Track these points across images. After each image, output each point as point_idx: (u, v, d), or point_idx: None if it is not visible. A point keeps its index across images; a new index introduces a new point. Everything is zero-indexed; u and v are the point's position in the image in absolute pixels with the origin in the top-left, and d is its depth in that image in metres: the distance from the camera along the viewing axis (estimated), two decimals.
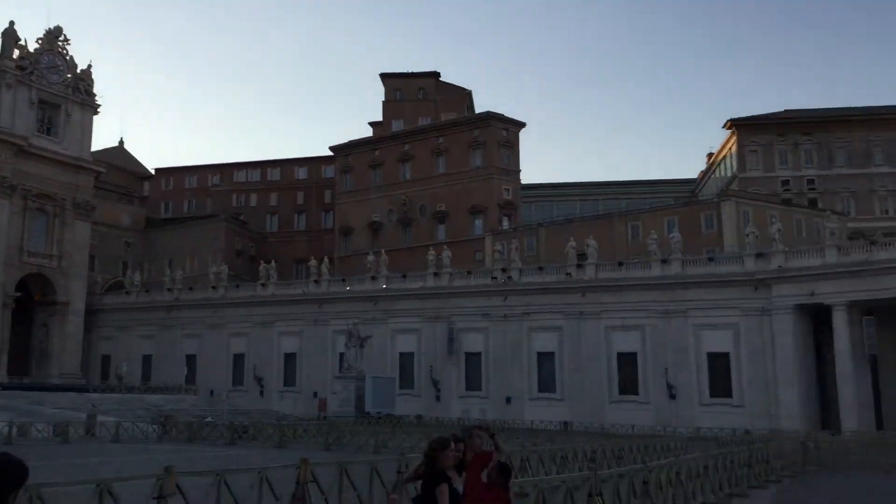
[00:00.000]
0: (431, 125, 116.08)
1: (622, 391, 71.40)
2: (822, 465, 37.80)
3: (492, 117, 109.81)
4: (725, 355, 67.82)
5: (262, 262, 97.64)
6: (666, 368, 69.12)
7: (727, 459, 25.61)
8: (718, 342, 68.02)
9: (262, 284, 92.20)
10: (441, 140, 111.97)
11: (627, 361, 71.58)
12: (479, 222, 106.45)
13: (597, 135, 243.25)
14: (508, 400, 75.03)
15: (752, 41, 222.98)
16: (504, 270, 78.91)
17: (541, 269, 78.88)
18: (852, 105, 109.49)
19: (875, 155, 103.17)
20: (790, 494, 26.35)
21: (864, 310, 62.69)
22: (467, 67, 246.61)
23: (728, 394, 67.35)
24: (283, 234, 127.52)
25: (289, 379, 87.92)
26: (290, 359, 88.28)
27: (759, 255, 67.63)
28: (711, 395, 67.87)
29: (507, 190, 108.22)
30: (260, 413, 75.62)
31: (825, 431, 56.17)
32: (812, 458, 37.84)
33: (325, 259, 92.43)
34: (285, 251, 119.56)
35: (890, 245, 63.16)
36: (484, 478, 8.70)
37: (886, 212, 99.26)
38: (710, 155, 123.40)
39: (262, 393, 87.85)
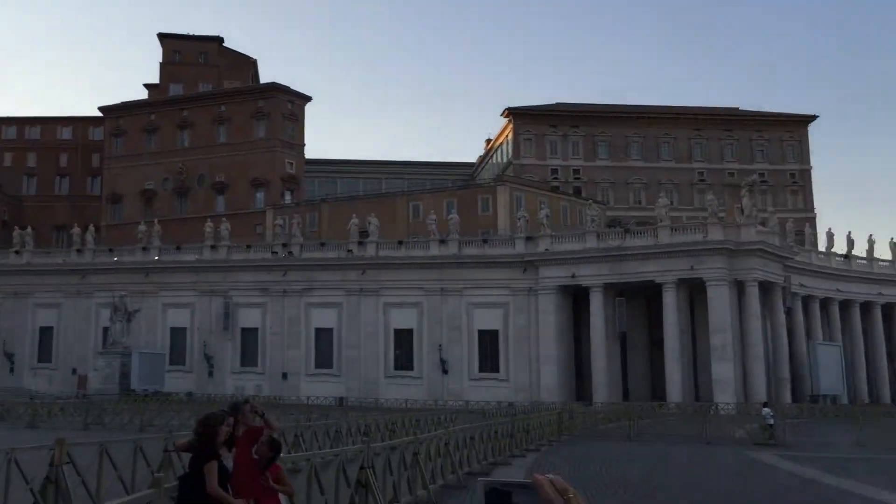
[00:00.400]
0: (213, 92, 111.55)
1: (398, 367, 73.26)
2: (576, 434, 41.13)
3: (277, 88, 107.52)
4: (495, 332, 71.60)
5: (16, 227, 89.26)
6: (440, 345, 71.76)
7: (492, 431, 27.18)
8: (489, 320, 71.65)
9: (16, 252, 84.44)
10: (223, 108, 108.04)
11: (404, 338, 73.53)
12: (260, 195, 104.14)
13: (382, 114, 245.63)
14: (285, 376, 74.50)
15: (534, 34, 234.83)
16: (285, 245, 78.00)
17: (322, 245, 78.80)
18: (614, 103, 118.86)
19: (632, 150, 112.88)
20: (546, 460, 28.51)
21: (616, 291, 68.68)
22: (253, 36, 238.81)
23: (496, 369, 71.23)
24: (42, 198, 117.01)
25: (44, 355, 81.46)
26: (46, 333, 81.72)
27: (528, 239, 71.88)
28: (480, 371, 71.47)
29: (291, 164, 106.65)
30: (9, 391, 69.55)
31: (580, 403, 61.10)
32: (567, 427, 41.05)
33: (91, 227, 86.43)
34: (44, 217, 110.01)
35: (641, 233, 69.67)
36: (254, 454, 8.68)
37: (640, 202, 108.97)
38: (488, 141, 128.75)
39: (11, 370, 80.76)
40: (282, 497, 8.89)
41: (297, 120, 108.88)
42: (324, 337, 75.16)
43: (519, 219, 74.65)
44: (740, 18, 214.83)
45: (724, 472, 26.89)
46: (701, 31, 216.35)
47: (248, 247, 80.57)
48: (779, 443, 36.86)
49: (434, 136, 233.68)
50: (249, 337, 76.85)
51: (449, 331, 72.09)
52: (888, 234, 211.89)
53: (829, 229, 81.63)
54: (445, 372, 71.49)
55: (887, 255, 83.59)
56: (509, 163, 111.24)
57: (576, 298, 71.45)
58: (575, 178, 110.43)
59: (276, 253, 77.68)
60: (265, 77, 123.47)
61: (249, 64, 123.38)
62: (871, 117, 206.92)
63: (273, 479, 8.63)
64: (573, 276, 68.51)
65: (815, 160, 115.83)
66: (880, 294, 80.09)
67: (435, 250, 73.92)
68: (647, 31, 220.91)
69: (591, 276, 67.99)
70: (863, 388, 77.13)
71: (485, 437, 25.79)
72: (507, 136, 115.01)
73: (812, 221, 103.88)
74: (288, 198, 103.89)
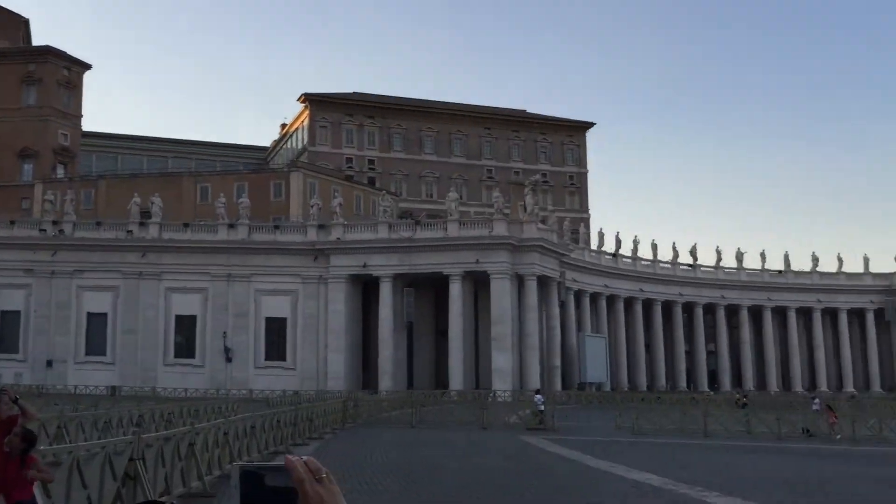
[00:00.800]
0: None
1: (178, 354, 70.45)
2: (360, 422, 41.66)
3: (52, 52, 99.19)
4: (283, 320, 70.72)
5: None
6: (225, 332, 69.76)
7: (274, 419, 26.92)
8: (277, 307, 70.65)
9: None
10: None
11: (186, 324, 70.78)
12: (28, 167, 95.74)
13: (172, 90, 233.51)
14: (50, 363, 69.21)
15: (335, 21, 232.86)
16: (55, 223, 72.39)
17: (98, 224, 74.00)
18: (411, 97, 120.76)
19: (426, 144, 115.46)
20: (328, 448, 28.70)
21: (406, 282, 70.16)
22: None
23: (283, 357, 70.41)
24: None
25: None
26: None
27: (320, 227, 71.61)
28: (267, 359, 70.34)
29: (65, 135, 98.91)
30: None
31: (366, 391, 61.82)
32: (351, 415, 41.48)
33: None
34: None
35: (431, 226, 71.66)
36: (6, 445, 8.06)
37: (431, 196, 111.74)
38: (283, 126, 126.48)
39: None
40: (36, 488, 8.32)
41: (75, 88, 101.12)
42: (97, 322, 70.62)
43: (312, 206, 74.12)
44: (535, 26, 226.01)
45: (497, 454, 28.38)
46: (496, 33, 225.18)
47: (12, 222, 74.05)
48: (548, 427, 39.42)
49: (227, 118, 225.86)
50: (9, 321, 70.64)
51: (235, 318, 70.26)
52: (650, 235, 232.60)
53: (601, 229, 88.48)
54: (230, 360, 69.62)
55: (649, 255, 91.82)
56: (304, 149, 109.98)
57: (366, 288, 72.13)
58: (370, 169, 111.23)
59: (45, 231, 71.90)
60: (38, 39, 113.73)
61: (20, 23, 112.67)
62: (642, 127, 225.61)
63: (28, 472, 8.05)
64: (364, 266, 69.12)
65: (591, 164, 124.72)
66: (641, 290, 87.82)
67: (223, 234, 71.69)
68: (444, 28, 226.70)
69: (381, 266, 68.93)
70: (623, 376, 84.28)
71: (266, 427, 25.48)
72: (302, 122, 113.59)
73: (586, 221, 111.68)
74: (61, 172, 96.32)
